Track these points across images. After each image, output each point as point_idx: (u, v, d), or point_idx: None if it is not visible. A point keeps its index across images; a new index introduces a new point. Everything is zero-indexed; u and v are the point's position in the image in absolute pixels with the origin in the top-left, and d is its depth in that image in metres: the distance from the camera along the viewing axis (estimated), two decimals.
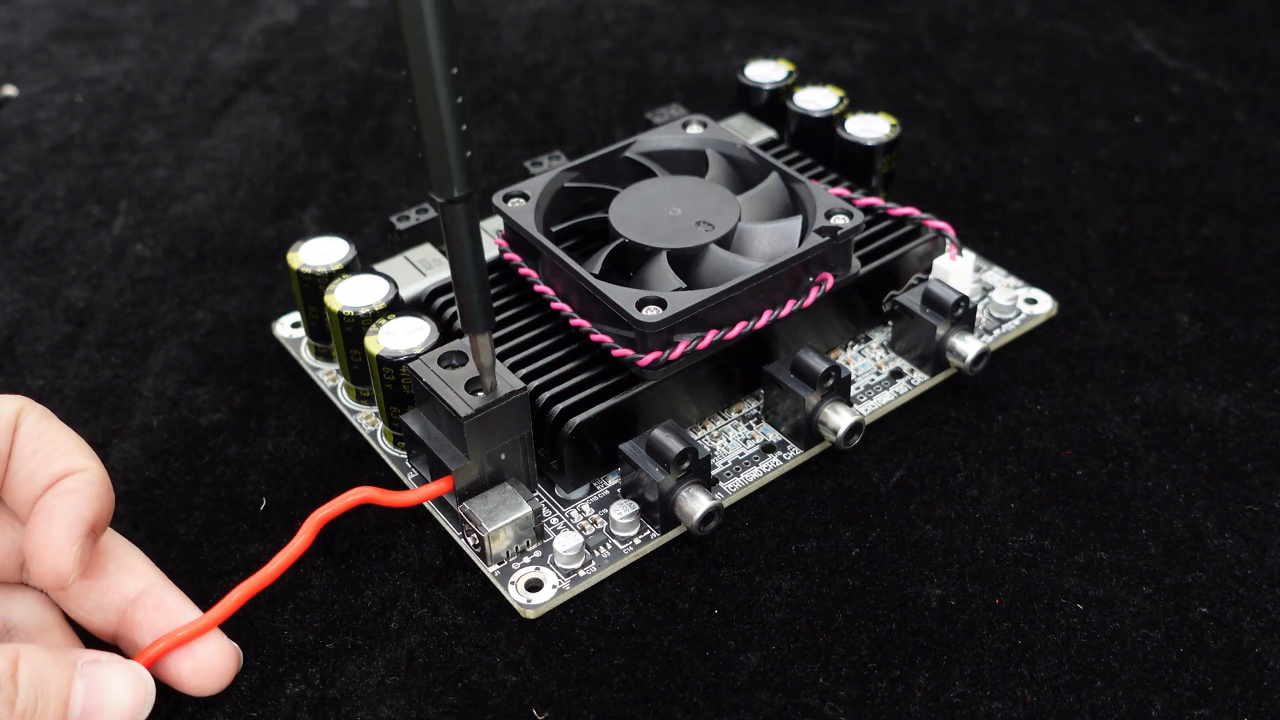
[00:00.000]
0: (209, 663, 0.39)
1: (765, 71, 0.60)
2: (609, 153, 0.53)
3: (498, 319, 0.49)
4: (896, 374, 0.51)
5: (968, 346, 0.49)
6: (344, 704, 0.40)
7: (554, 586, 0.43)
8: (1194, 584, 0.43)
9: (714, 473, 0.47)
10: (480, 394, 0.43)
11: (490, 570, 0.44)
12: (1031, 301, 0.54)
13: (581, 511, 0.46)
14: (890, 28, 0.76)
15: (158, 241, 0.61)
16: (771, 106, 0.59)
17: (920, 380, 0.50)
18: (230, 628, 0.42)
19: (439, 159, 0.36)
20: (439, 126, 0.36)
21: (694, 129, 0.54)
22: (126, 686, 0.37)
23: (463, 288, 0.40)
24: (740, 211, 0.49)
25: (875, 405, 0.50)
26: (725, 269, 0.47)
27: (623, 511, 0.44)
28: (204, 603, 0.41)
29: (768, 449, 0.48)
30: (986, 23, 0.76)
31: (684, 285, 0.46)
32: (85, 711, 0.36)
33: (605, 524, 0.45)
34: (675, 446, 0.43)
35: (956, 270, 0.51)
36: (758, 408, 0.50)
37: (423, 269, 0.52)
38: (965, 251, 0.52)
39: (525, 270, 0.49)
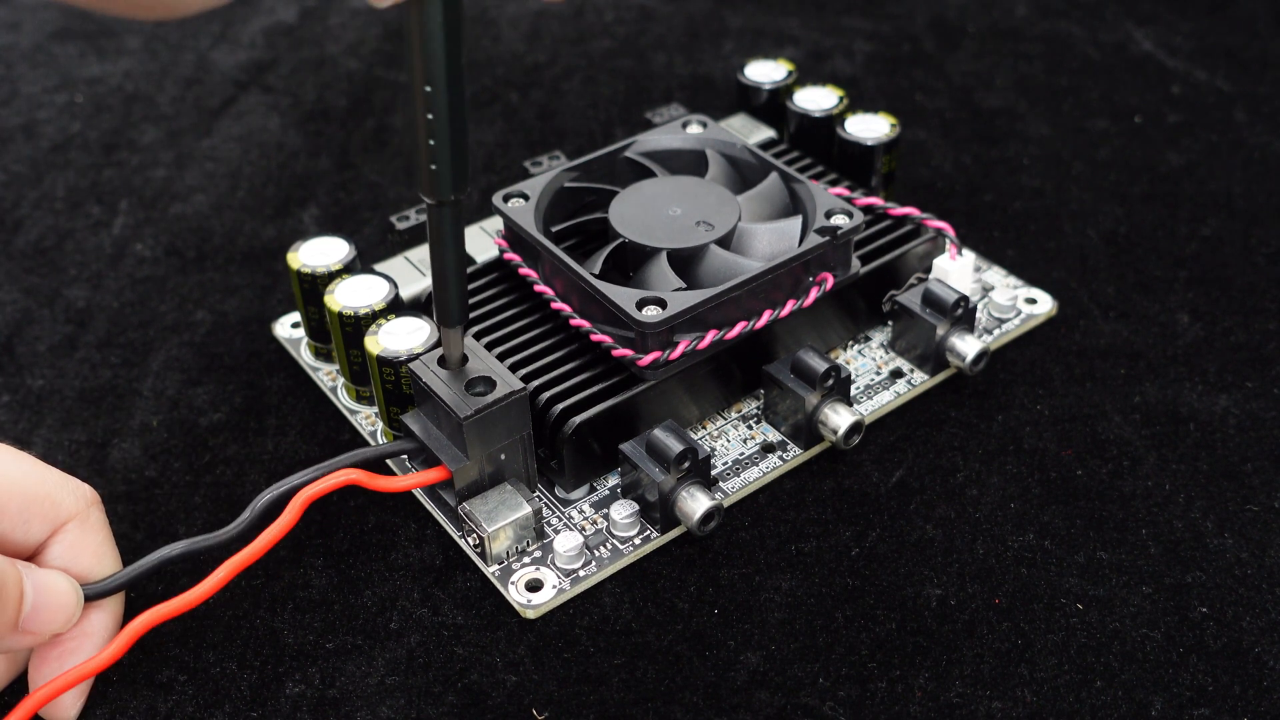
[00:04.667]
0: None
1: (765, 71, 0.60)
2: (609, 153, 0.53)
3: (498, 319, 0.49)
4: (896, 374, 0.51)
5: (968, 346, 0.49)
6: (344, 704, 0.40)
7: (554, 586, 0.43)
8: (1194, 584, 0.43)
9: (714, 473, 0.47)
10: (479, 393, 0.43)
11: (490, 570, 0.44)
12: (1031, 301, 0.54)
13: (581, 511, 0.46)
14: (890, 28, 0.76)
15: (158, 241, 0.61)
16: (771, 106, 0.59)
17: (920, 380, 0.50)
18: (230, 626, 0.43)
19: (434, 164, 0.36)
20: (438, 132, 0.36)
21: (694, 129, 0.54)
22: (67, 587, 0.39)
23: (441, 283, 0.41)
24: (740, 211, 0.49)
25: (875, 405, 0.50)
26: (725, 269, 0.47)
27: (623, 511, 0.44)
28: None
29: (768, 449, 0.48)
30: (986, 23, 0.76)
31: (684, 285, 0.46)
32: (35, 607, 0.38)
33: (605, 524, 0.45)
34: (675, 446, 0.43)
35: (956, 270, 0.51)
36: (758, 408, 0.50)
37: (422, 269, 0.52)
38: (965, 251, 0.52)
39: (525, 270, 0.49)
